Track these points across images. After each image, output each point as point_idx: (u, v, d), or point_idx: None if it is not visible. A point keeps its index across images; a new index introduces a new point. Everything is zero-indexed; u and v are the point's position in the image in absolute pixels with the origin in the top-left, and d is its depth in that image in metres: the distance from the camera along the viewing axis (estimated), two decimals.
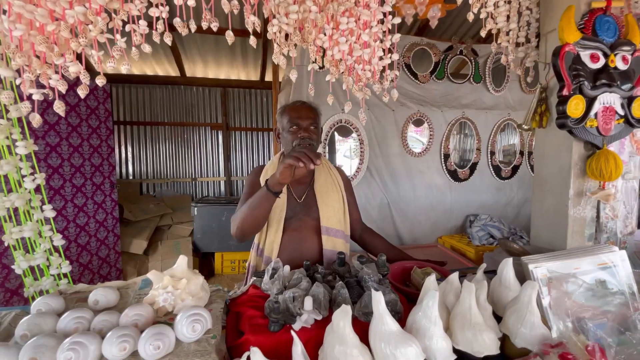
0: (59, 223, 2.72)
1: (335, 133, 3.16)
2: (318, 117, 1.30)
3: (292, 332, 0.71)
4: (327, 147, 2.76)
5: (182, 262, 0.90)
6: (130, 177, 4.45)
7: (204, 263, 3.75)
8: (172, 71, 4.28)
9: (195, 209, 3.62)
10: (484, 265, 0.97)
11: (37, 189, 0.93)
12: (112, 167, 3.13)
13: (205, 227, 3.64)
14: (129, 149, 4.41)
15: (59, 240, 0.98)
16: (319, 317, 0.80)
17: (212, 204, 3.70)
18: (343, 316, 0.68)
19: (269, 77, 4.34)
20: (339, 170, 1.45)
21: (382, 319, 0.70)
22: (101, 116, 3.02)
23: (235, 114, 4.73)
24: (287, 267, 1.00)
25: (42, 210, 0.94)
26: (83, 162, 2.89)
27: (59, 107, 0.74)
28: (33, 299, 0.99)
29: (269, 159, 4.69)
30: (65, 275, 1.03)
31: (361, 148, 2.79)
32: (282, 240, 1.27)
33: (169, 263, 3.33)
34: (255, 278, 1.02)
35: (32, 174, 0.89)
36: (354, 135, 2.80)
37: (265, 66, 4.11)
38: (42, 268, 1.00)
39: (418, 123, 2.98)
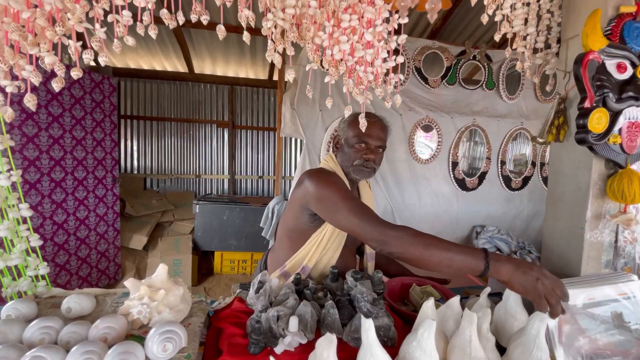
0: (59, 216, 2.71)
1: None
2: (387, 137, 1.18)
3: (271, 358, 0.65)
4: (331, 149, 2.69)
5: (162, 271, 0.84)
6: (135, 172, 4.44)
7: (203, 261, 3.71)
8: (181, 67, 4.27)
9: (197, 206, 3.59)
10: (488, 289, 0.89)
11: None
12: (115, 161, 3.11)
13: (206, 225, 3.60)
14: (135, 143, 4.41)
15: (36, 241, 0.93)
16: (304, 341, 0.74)
17: (214, 202, 3.67)
18: (327, 345, 0.62)
19: (277, 76, 4.30)
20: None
21: (371, 350, 0.63)
22: (106, 110, 3.00)
23: (242, 112, 4.69)
24: (275, 281, 0.93)
25: (19, 209, 0.90)
26: (86, 156, 2.87)
27: (29, 101, 0.68)
28: (12, 299, 0.95)
29: (274, 158, 4.65)
30: (43, 277, 0.99)
31: None
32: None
33: (168, 260, 3.30)
34: (240, 290, 0.96)
35: (8, 170, 0.84)
36: None
37: (274, 65, 4.05)
38: (20, 269, 0.96)
39: (427, 129, 2.89)
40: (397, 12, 0.86)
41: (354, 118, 1.13)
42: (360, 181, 1.24)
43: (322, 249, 1.10)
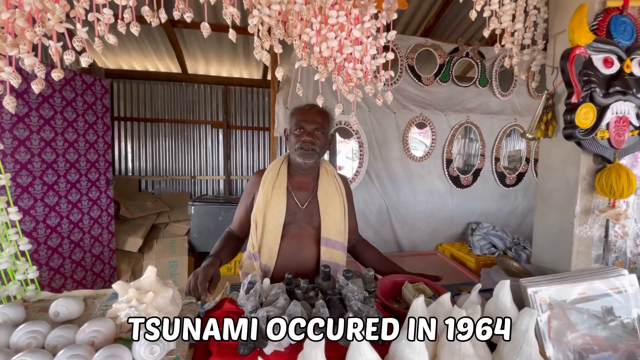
0: (52, 219, 2.69)
1: (337, 134, 3.08)
2: (327, 122, 1.25)
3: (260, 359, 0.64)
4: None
5: (151, 273, 0.83)
6: (129, 174, 4.41)
7: (199, 263, 3.69)
8: (174, 68, 4.24)
9: (192, 207, 3.57)
10: (478, 286, 0.90)
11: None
12: (108, 163, 3.08)
13: (202, 226, 3.58)
14: (129, 145, 4.37)
15: (25, 245, 0.92)
16: (293, 341, 0.73)
17: (210, 203, 3.65)
18: (316, 345, 0.61)
19: (270, 75, 4.28)
20: (343, 178, 1.39)
21: (360, 349, 0.63)
22: (98, 112, 2.97)
23: (236, 113, 4.67)
24: (266, 281, 0.93)
25: (8, 213, 0.89)
26: (78, 158, 2.84)
27: (8, 103, 0.68)
28: (1, 302, 0.94)
29: (269, 158, 4.63)
30: (32, 281, 0.98)
31: (361, 151, 2.71)
32: (280, 246, 1.22)
33: (164, 262, 3.28)
34: (231, 291, 0.95)
35: None
36: (354, 137, 2.72)
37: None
38: (9, 273, 0.95)
39: (420, 126, 2.89)
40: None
41: (294, 110, 1.28)
42: (308, 167, 1.28)
43: (260, 233, 1.23)
